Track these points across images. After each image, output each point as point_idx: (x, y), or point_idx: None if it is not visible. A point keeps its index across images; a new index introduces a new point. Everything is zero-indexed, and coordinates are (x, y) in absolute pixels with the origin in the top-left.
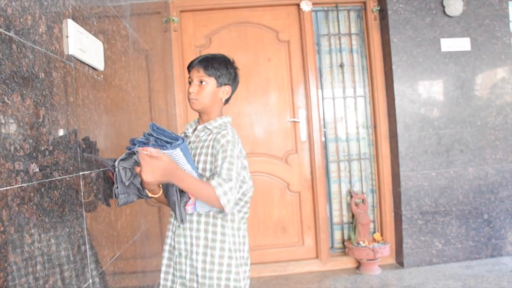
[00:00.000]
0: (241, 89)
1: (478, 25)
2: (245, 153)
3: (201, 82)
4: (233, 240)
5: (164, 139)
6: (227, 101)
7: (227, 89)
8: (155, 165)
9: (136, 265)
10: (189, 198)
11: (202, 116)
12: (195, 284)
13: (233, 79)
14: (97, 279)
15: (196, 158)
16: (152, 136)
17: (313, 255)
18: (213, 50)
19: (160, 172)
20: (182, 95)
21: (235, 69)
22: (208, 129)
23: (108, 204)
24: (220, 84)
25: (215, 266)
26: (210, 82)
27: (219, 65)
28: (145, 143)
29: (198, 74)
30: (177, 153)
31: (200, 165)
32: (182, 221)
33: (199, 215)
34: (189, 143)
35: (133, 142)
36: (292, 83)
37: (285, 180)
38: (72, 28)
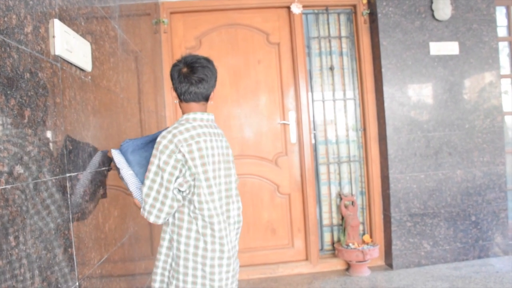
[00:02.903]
0: (231, 91)
1: (466, 29)
2: (204, 164)
3: None
4: (187, 234)
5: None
6: (186, 101)
7: (174, 91)
8: None
9: (125, 267)
10: None
11: None
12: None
13: (176, 79)
14: (83, 282)
15: None
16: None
17: (303, 257)
18: (203, 52)
19: None
20: (171, 97)
21: (173, 69)
22: None
23: (95, 206)
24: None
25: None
26: None
27: (171, 70)
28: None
29: None
30: (113, 153)
31: None
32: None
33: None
34: None
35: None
36: (282, 85)
37: (275, 182)
38: (58, 28)
